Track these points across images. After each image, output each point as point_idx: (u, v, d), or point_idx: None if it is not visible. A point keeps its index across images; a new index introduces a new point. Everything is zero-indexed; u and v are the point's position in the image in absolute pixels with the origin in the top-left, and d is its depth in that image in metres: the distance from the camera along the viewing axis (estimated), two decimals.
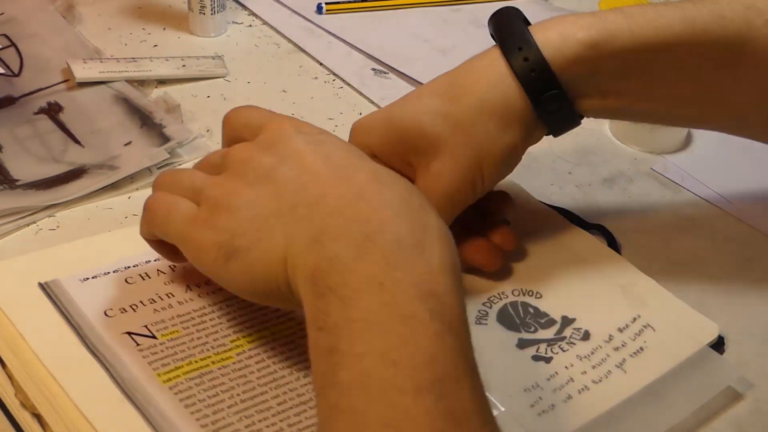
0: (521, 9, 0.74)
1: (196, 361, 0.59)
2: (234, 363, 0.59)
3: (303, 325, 0.62)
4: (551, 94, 0.64)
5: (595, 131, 0.84)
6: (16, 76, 0.87)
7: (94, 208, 0.74)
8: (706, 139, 0.84)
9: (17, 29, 0.92)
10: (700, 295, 0.70)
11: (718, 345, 0.65)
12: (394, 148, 0.65)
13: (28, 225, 0.72)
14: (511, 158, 0.66)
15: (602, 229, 0.73)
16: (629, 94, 0.65)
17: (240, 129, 0.59)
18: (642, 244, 0.73)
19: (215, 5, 0.92)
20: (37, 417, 0.58)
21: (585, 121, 0.84)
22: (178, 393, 0.57)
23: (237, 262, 0.53)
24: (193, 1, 0.92)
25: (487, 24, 0.69)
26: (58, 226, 0.72)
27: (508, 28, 0.65)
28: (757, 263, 0.73)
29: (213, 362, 0.59)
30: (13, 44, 0.90)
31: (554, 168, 0.80)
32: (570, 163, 0.81)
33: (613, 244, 0.72)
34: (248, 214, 0.53)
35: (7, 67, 0.88)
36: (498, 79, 0.64)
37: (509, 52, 0.64)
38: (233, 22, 0.96)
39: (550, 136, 0.79)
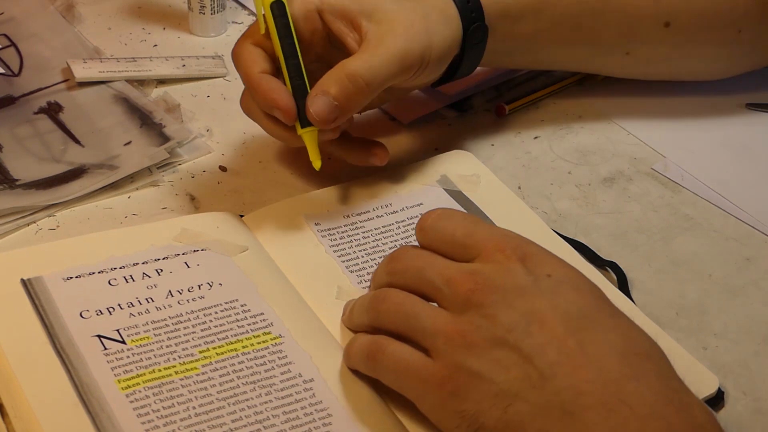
0: None
1: (160, 370, 0.59)
2: (198, 375, 0.59)
3: (278, 339, 0.62)
4: (478, 25, 0.73)
5: (595, 131, 0.84)
6: (16, 75, 0.87)
7: (94, 208, 0.74)
8: (706, 139, 0.84)
9: (17, 29, 0.92)
10: (700, 295, 0.70)
11: (717, 399, 0.62)
12: (343, 12, 0.70)
13: (28, 225, 0.72)
14: (449, 52, 0.73)
15: (615, 267, 0.71)
16: (522, 37, 0.77)
17: (440, 246, 0.58)
18: (642, 244, 0.73)
19: (215, 5, 0.92)
20: (1, 406, 0.58)
21: (585, 120, 0.84)
22: (134, 401, 0.57)
23: None
24: (192, 1, 0.92)
25: None
26: (58, 226, 0.72)
27: None
28: (757, 263, 0.73)
29: (176, 372, 0.59)
30: (13, 44, 0.90)
31: (554, 168, 0.80)
32: (570, 163, 0.81)
33: (624, 284, 0.70)
34: (492, 389, 0.53)
35: (7, 66, 0.88)
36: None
37: None
38: (233, 22, 0.96)
39: (548, 138, 0.79)
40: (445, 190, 0.76)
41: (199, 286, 0.65)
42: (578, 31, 0.79)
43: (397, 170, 0.77)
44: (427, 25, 0.70)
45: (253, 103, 0.70)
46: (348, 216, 0.73)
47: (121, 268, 0.65)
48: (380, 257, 0.70)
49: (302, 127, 0.69)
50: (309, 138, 0.69)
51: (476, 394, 0.53)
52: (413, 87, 0.75)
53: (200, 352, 0.60)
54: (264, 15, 0.69)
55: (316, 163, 0.70)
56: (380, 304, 0.59)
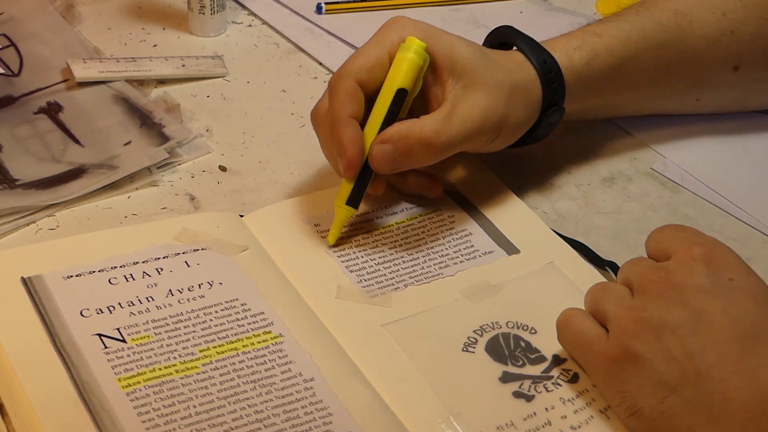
0: (521, 9, 0.75)
1: (160, 369, 0.59)
2: (198, 374, 0.59)
3: (278, 339, 0.62)
4: (556, 108, 0.74)
5: (594, 131, 0.84)
6: (16, 75, 0.87)
7: (94, 208, 0.74)
8: (706, 139, 0.84)
9: (17, 29, 0.92)
10: None
11: None
12: (433, 62, 0.69)
13: (27, 225, 0.72)
14: (520, 131, 0.74)
15: (615, 267, 0.71)
16: (601, 100, 0.79)
17: (654, 253, 0.62)
18: (641, 244, 0.73)
19: (215, 5, 0.92)
20: (1, 406, 0.58)
21: (585, 120, 0.84)
22: (135, 400, 0.57)
23: (638, 422, 0.57)
24: (192, 1, 0.92)
25: (486, 25, 0.73)
26: (57, 226, 0.72)
27: (528, 41, 0.74)
28: (757, 263, 0.72)
29: (177, 371, 0.59)
30: (13, 44, 0.90)
31: (554, 168, 0.80)
32: (570, 163, 0.81)
33: None
34: (654, 377, 0.56)
35: (7, 66, 0.88)
36: (527, 70, 0.73)
37: (536, 59, 0.73)
38: (233, 22, 0.96)
39: (548, 138, 0.79)
40: (444, 191, 0.76)
41: (200, 285, 0.65)
42: (653, 86, 0.80)
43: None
44: (508, 102, 0.71)
45: (324, 122, 0.70)
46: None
47: (121, 267, 0.65)
48: (380, 257, 0.70)
49: (345, 203, 0.69)
50: (341, 214, 0.70)
51: (638, 379, 0.56)
52: (475, 152, 0.75)
53: (200, 351, 0.60)
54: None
55: (332, 239, 0.70)
56: (588, 291, 0.63)
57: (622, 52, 0.76)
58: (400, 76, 0.68)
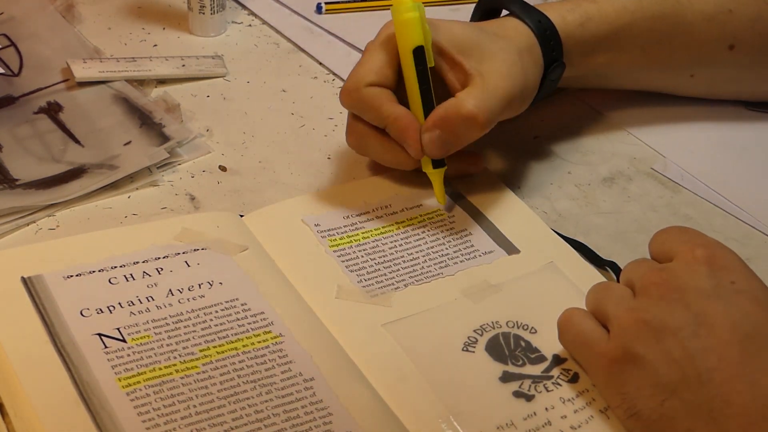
0: None
1: (160, 369, 0.59)
2: (198, 373, 0.59)
3: (279, 338, 0.62)
4: (558, 64, 0.75)
5: (595, 131, 0.84)
6: (16, 75, 0.87)
7: (94, 208, 0.74)
8: (706, 138, 0.84)
9: (17, 29, 0.92)
10: None
11: None
12: (441, 50, 0.71)
13: (27, 225, 0.72)
14: (536, 89, 0.75)
15: (615, 267, 0.71)
16: (596, 66, 0.80)
17: (657, 255, 0.62)
18: (641, 244, 0.73)
19: (215, 5, 0.92)
20: (1, 406, 0.58)
21: (585, 120, 0.84)
22: (135, 400, 0.57)
23: (637, 423, 0.56)
24: (192, 1, 0.92)
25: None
26: (57, 226, 0.72)
27: (521, 4, 0.76)
28: (757, 263, 0.72)
29: (177, 371, 0.59)
30: (13, 44, 0.90)
31: (554, 167, 0.80)
32: (570, 163, 0.81)
33: None
34: (654, 379, 0.56)
35: (7, 66, 0.88)
36: (525, 32, 0.75)
37: (530, 20, 0.75)
38: (233, 22, 0.96)
39: (548, 138, 0.79)
40: (444, 190, 0.76)
41: (200, 285, 0.65)
42: (647, 57, 0.81)
43: (397, 171, 0.77)
44: (523, 65, 0.72)
45: (368, 137, 0.72)
46: (347, 216, 0.73)
47: (121, 266, 0.65)
48: (380, 257, 0.70)
49: (434, 167, 0.72)
50: (437, 177, 0.73)
51: (638, 380, 0.56)
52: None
53: (201, 350, 0.60)
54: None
55: (442, 200, 0.73)
56: (589, 290, 0.63)
57: (616, 20, 0.78)
58: (409, 37, 0.70)
